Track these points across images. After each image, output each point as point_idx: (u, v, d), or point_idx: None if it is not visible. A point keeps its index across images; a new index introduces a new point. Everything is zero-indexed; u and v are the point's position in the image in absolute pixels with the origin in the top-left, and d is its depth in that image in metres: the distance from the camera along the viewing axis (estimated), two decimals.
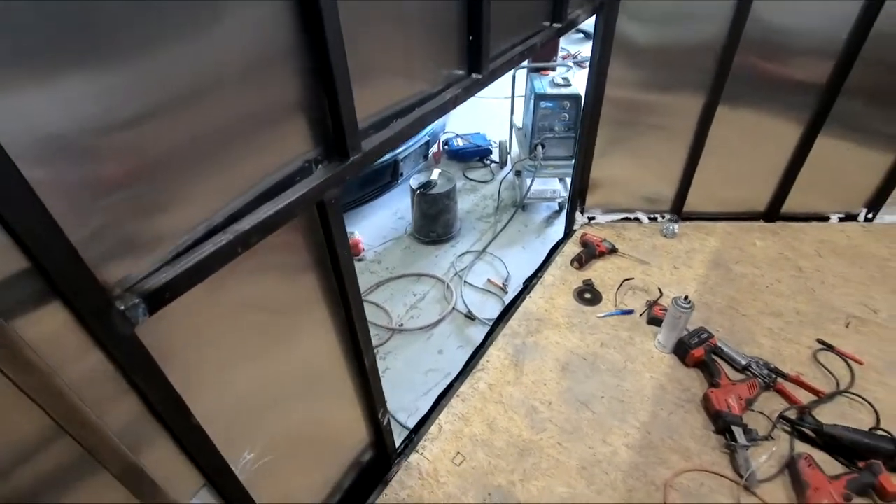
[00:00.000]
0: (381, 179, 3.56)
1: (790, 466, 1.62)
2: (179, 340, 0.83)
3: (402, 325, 2.58)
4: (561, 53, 5.76)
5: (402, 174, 3.68)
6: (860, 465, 1.61)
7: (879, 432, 1.71)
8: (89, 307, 0.63)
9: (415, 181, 3.21)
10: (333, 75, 0.89)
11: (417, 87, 1.17)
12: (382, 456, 1.64)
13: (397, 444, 1.73)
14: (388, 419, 1.57)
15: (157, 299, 0.71)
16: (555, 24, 1.62)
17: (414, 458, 1.70)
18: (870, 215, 2.74)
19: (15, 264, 0.57)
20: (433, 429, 1.79)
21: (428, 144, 3.90)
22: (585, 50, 5.90)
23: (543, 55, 4.48)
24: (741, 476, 1.60)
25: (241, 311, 0.95)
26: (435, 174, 3.26)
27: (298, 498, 1.35)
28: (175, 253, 0.75)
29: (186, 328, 0.84)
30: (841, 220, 2.76)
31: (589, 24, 2.14)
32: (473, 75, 1.30)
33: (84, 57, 0.58)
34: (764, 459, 1.66)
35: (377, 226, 3.43)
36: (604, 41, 2.11)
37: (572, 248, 2.63)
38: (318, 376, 1.26)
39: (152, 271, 0.73)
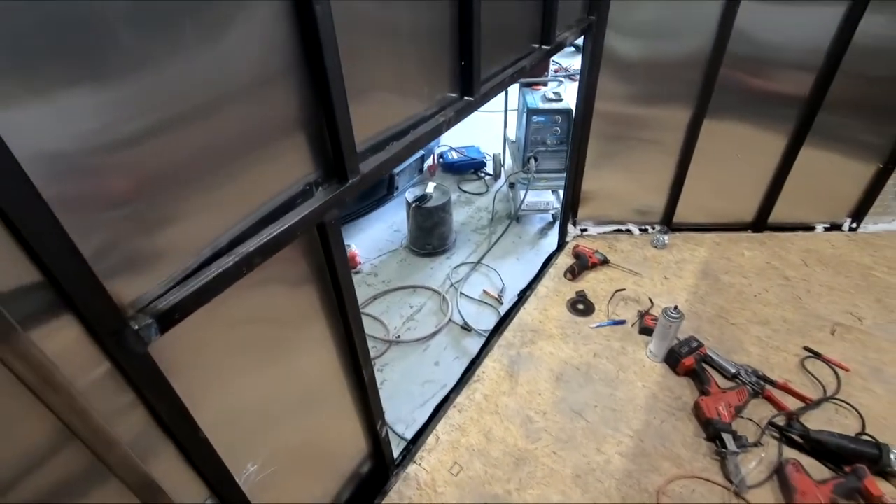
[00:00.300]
0: (377, 193, 3.61)
1: (779, 472, 1.67)
2: (185, 356, 0.87)
3: (398, 336, 2.62)
4: (553, 67, 5.86)
5: (397, 188, 3.74)
6: (846, 469, 1.65)
7: (865, 437, 1.75)
8: (106, 327, 0.67)
9: (410, 194, 3.25)
10: (332, 99, 0.94)
11: (412, 110, 1.22)
12: (381, 467, 1.67)
13: (395, 456, 1.76)
14: (387, 431, 1.61)
15: (168, 319, 0.75)
16: (544, 46, 1.69)
17: (412, 468, 1.73)
18: (854, 225, 2.81)
19: (28, 277, 0.60)
20: (430, 439, 1.83)
21: (423, 158, 3.96)
22: (577, 63, 6.00)
23: (535, 71, 4.57)
24: (731, 482, 1.65)
25: (243, 327, 0.99)
26: (430, 187, 3.31)
27: None
28: (183, 275, 0.80)
29: (191, 344, 0.87)
30: (826, 229, 2.83)
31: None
32: (466, 98, 1.35)
33: (85, 72, 0.60)
34: (753, 465, 1.70)
35: (373, 238, 3.47)
36: (592, 59, 2.18)
37: (565, 260, 2.68)
38: (317, 389, 1.30)
39: (162, 293, 0.77)
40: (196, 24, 0.70)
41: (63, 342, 0.65)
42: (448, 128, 1.29)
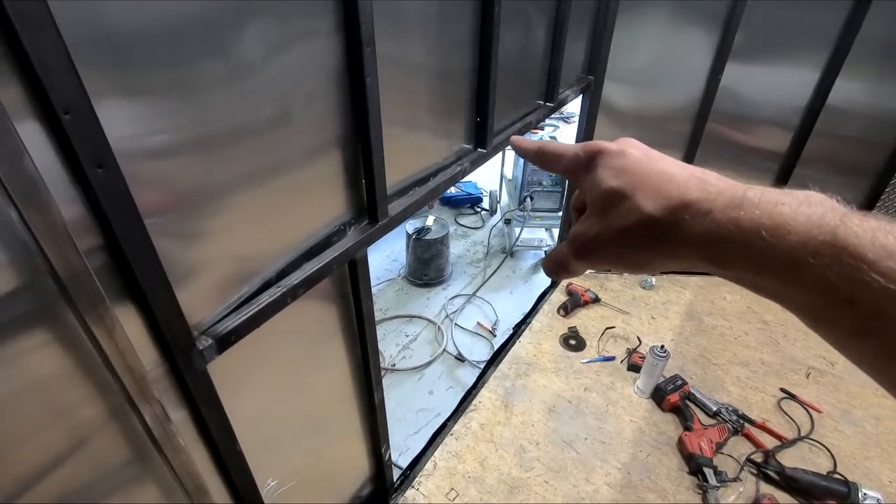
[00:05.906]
0: None
1: None
2: (227, 372, 0.96)
3: (394, 364, 2.70)
4: None
5: None
6: None
7: (836, 476, 1.87)
8: (180, 346, 0.77)
9: (410, 226, 3.38)
10: (371, 147, 1.05)
11: (433, 159, 1.36)
12: (381, 490, 1.74)
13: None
14: (390, 455, 1.68)
15: (225, 342, 0.85)
16: (547, 104, 1.85)
17: (410, 493, 1.80)
18: None
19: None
20: (428, 465, 1.90)
21: None
22: (571, 106, 6.28)
23: None
24: None
25: (274, 347, 1.08)
26: (430, 220, 3.44)
27: None
28: (238, 303, 0.90)
29: (232, 361, 0.97)
30: None
31: None
32: (479, 150, 1.50)
33: (171, 82, 0.66)
34: (732, 499, 1.80)
35: (372, 267, 3.55)
36: (589, 114, 2.36)
37: (559, 297, 2.81)
38: (331, 410, 1.39)
39: (220, 318, 0.87)
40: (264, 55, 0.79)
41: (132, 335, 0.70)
42: (463, 176, 1.43)
